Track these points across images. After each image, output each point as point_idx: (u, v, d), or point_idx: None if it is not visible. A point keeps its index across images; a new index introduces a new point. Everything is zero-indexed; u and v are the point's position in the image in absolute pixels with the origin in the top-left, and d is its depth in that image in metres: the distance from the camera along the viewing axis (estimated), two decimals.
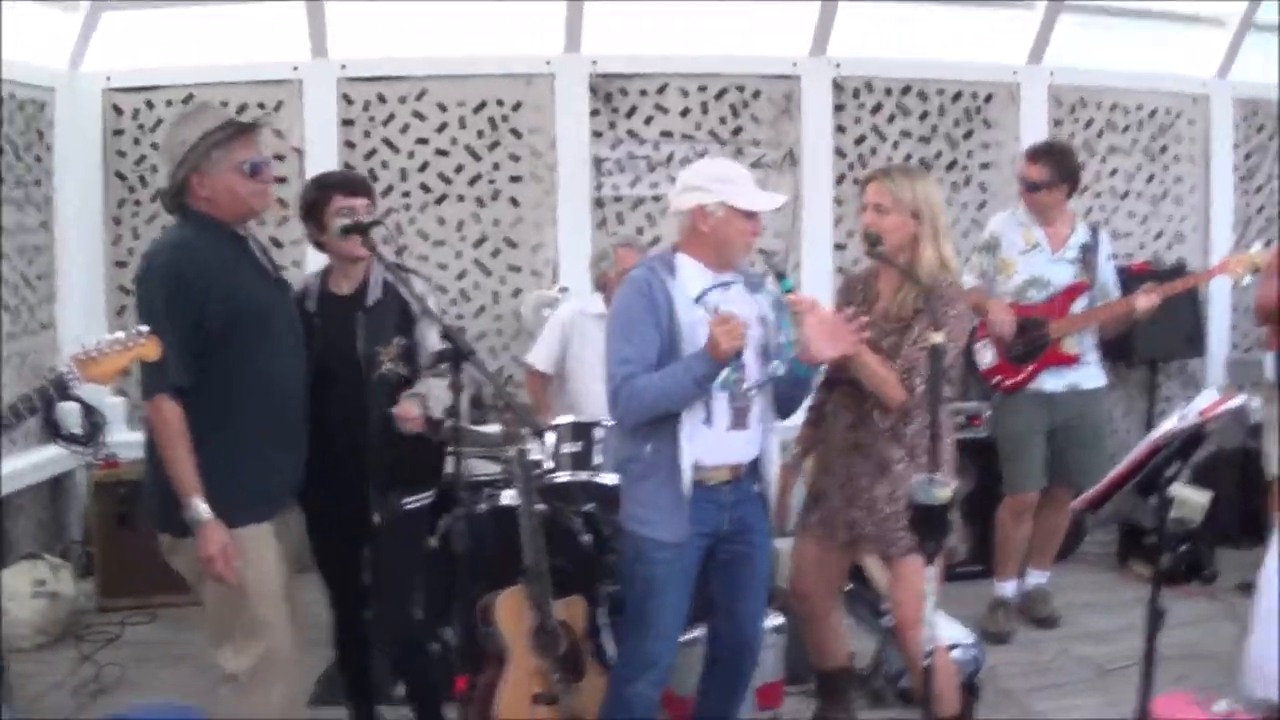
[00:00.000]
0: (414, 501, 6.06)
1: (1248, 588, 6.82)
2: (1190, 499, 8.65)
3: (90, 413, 8.52)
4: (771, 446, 5.69)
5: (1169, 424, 5.18)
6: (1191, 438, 5.18)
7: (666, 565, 5.42)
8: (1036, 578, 8.53)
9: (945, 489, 4.78)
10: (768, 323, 5.52)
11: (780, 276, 5.47)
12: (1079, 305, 8.04)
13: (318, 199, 6.11)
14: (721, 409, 5.40)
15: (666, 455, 5.35)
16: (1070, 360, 8.03)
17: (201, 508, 5.05)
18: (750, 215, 5.41)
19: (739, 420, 5.46)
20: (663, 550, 5.40)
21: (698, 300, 5.36)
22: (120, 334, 4.54)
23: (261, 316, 5.37)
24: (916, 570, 5.16)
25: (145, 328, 4.59)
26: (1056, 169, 8.03)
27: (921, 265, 5.76)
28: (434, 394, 5.85)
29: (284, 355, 5.52)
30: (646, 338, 5.30)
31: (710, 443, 5.40)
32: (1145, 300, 7.72)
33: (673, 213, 5.63)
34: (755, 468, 5.63)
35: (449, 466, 5.76)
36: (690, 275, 5.44)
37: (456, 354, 5.33)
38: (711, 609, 5.83)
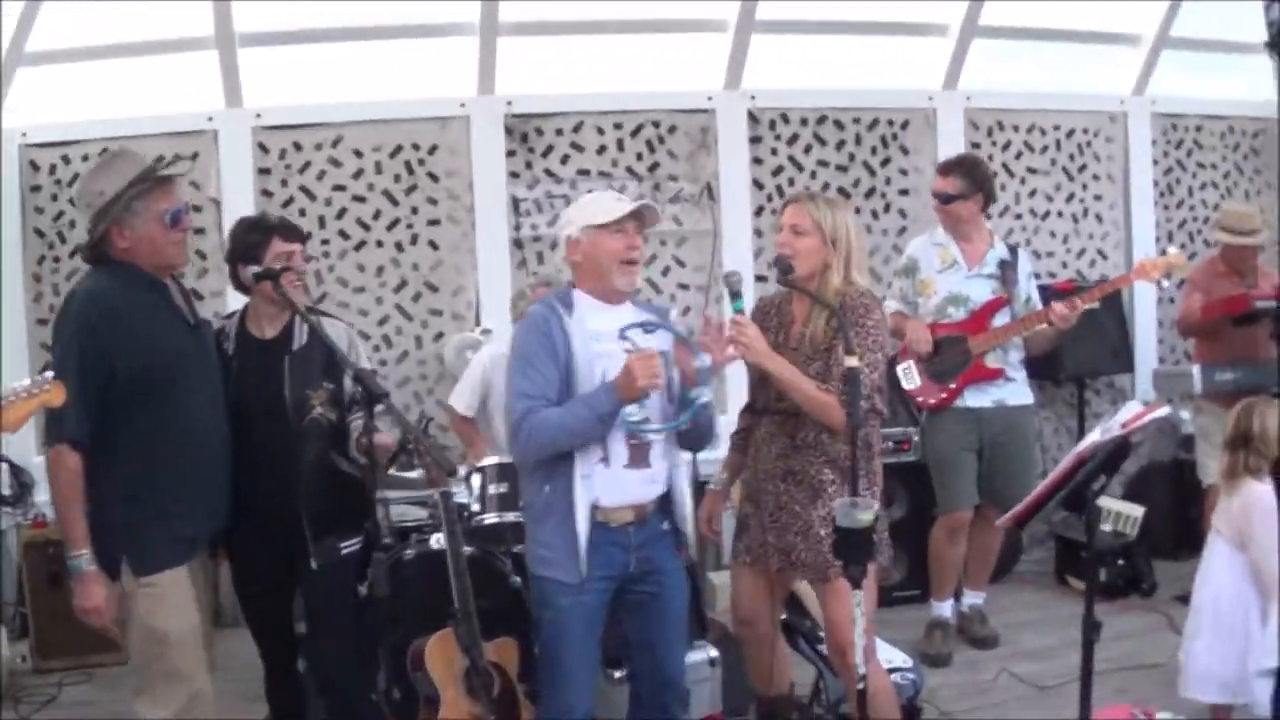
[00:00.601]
0: (349, 546, 5.99)
1: (1186, 599, 6.83)
2: (1124, 512, 8.74)
3: (18, 473, 8.47)
4: (682, 482, 5.64)
5: (1093, 437, 5.17)
6: (1116, 450, 5.17)
7: (569, 610, 5.36)
8: (973, 598, 8.54)
9: (868, 512, 4.77)
10: (669, 361, 5.43)
11: (735, 296, 5.52)
12: (999, 320, 8.06)
13: (259, 241, 6.08)
14: (619, 448, 5.34)
15: (563, 496, 5.29)
16: (994, 375, 8.05)
17: (84, 559, 5.05)
18: (615, 230, 5.37)
19: (638, 459, 5.40)
20: (565, 593, 5.33)
21: (621, 335, 5.30)
22: (26, 381, 4.49)
23: (176, 368, 5.34)
24: (850, 593, 5.13)
25: (50, 374, 4.54)
26: (968, 180, 8.11)
27: (829, 290, 5.72)
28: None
29: (200, 405, 5.49)
30: (545, 374, 5.27)
31: (609, 482, 5.34)
32: (1062, 307, 7.72)
33: (562, 260, 5.69)
34: (664, 505, 5.58)
35: (378, 511, 5.75)
36: (587, 311, 5.41)
37: (369, 398, 5.29)
38: (629, 650, 5.79)
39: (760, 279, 9.98)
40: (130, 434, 5.17)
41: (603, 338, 5.34)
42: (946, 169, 8.27)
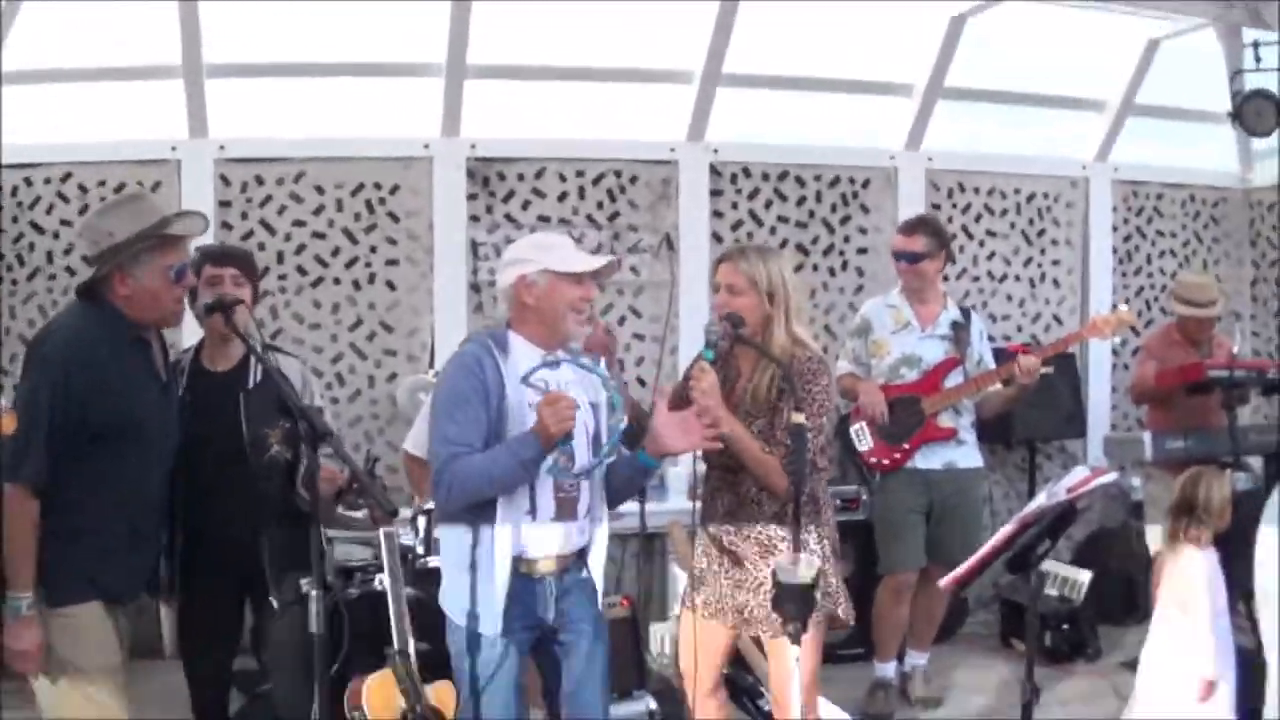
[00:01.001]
0: (310, 584, 5.92)
1: (1132, 665, 6.89)
2: (1070, 577, 8.78)
3: None
4: (601, 536, 5.57)
5: (1038, 501, 5.20)
6: (1061, 515, 5.21)
7: (489, 663, 5.29)
8: (916, 658, 8.56)
9: (809, 569, 4.79)
10: (599, 405, 5.41)
11: (709, 346, 5.54)
12: (951, 381, 8.11)
13: (194, 265, 5.98)
14: (546, 500, 5.27)
15: (486, 546, 5.22)
16: (947, 435, 8.10)
17: (25, 602, 5.01)
18: (576, 280, 5.29)
19: (565, 511, 5.34)
20: (484, 645, 5.27)
21: (524, 379, 5.17)
22: None
23: (141, 428, 5.31)
24: (804, 648, 5.12)
25: (4, 402, 4.52)
26: (934, 239, 8.21)
27: (774, 345, 5.71)
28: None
29: (154, 466, 5.47)
30: (472, 417, 5.15)
31: (535, 534, 5.28)
32: (1027, 361, 7.76)
33: (499, 292, 5.50)
34: (582, 556, 5.53)
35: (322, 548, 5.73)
36: (521, 354, 5.30)
37: (313, 435, 5.27)
38: (553, 701, 5.72)
39: None
40: (77, 480, 5.11)
41: (536, 383, 5.22)
42: (911, 228, 8.32)
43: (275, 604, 5.92)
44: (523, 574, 5.28)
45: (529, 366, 5.21)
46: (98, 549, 5.20)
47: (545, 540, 5.31)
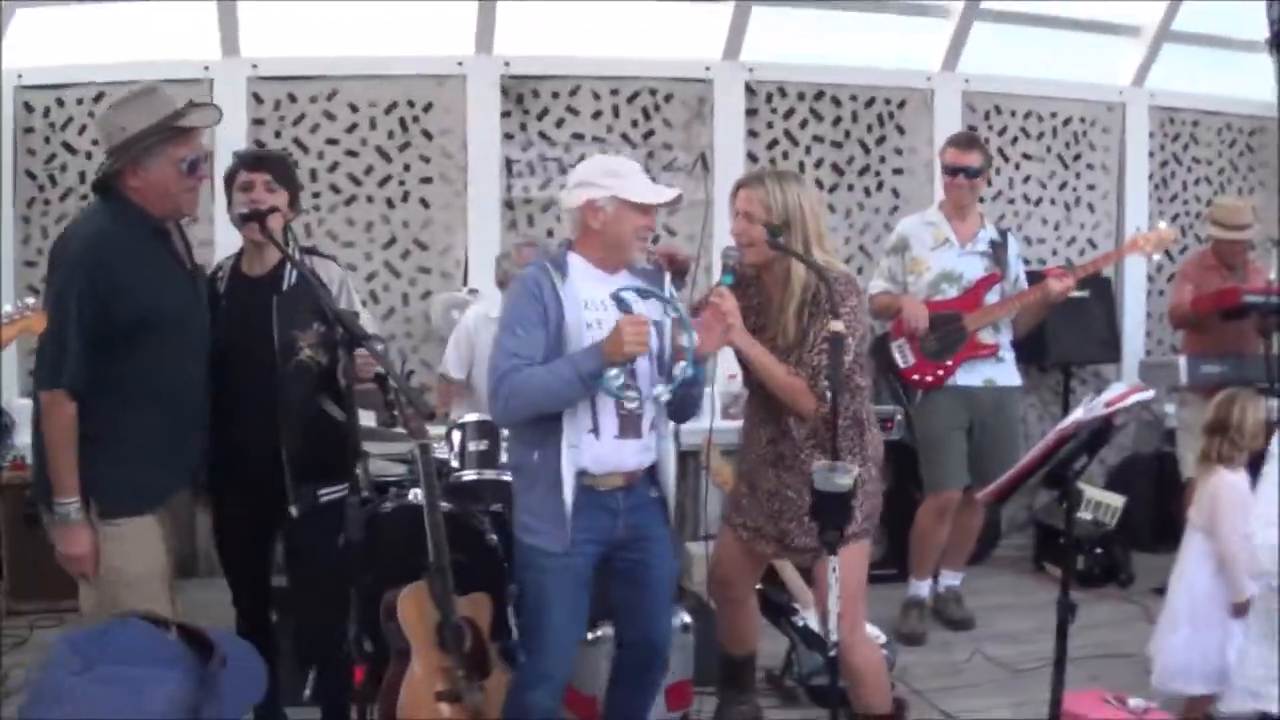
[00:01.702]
0: (330, 493, 5.85)
1: (1163, 591, 6.82)
2: (1104, 502, 8.74)
3: None
4: (668, 453, 5.61)
5: (1076, 415, 5.15)
6: (1099, 430, 5.17)
7: (555, 574, 5.34)
8: (950, 579, 8.58)
9: (847, 476, 4.76)
10: (662, 324, 5.41)
11: (726, 271, 5.52)
12: (992, 297, 8.09)
13: (230, 172, 6.04)
14: (609, 419, 5.31)
15: (552, 464, 5.26)
16: (989, 350, 8.09)
17: (73, 508, 5.03)
18: (643, 210, 5.32)
19: (629, 429, 5.37)
20: (550, 559, 5.31)
21: (615, 297, 5.25)
22: (8, 307, 4.46)
23: (170, 321, 5.30)
24: (847, 563, 5.16)
25: (33, 300, 4.50)
26: (985, 157, 8.23)
27: (793, 274, 5.67)
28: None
29: (189, 358, 5.46)
30: (532, 335, 5.21)
31: (599, 452, 5.32)
32: (1058, 283, 7.77)
33: (565, 211, 5.55)
34: (652, 474, 5.56)
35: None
36: (581, 275, 5.36)
37: (350, 339, 5.24)
38: (616, 614, 5.79)
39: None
40: (114, 381, 5.12)
41: (594, 305, 5.31)
42: (968, 143, 8.30)
43: (294, 513, 5.88)
44: (588, 487, 5.31)
45: (589, 287, 5.31)
46: (142, 451, 5.21)
47: (610, 457, 5.35)
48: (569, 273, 5.34)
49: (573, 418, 5.25)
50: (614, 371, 5.08)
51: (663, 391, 5.27)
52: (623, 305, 5.23)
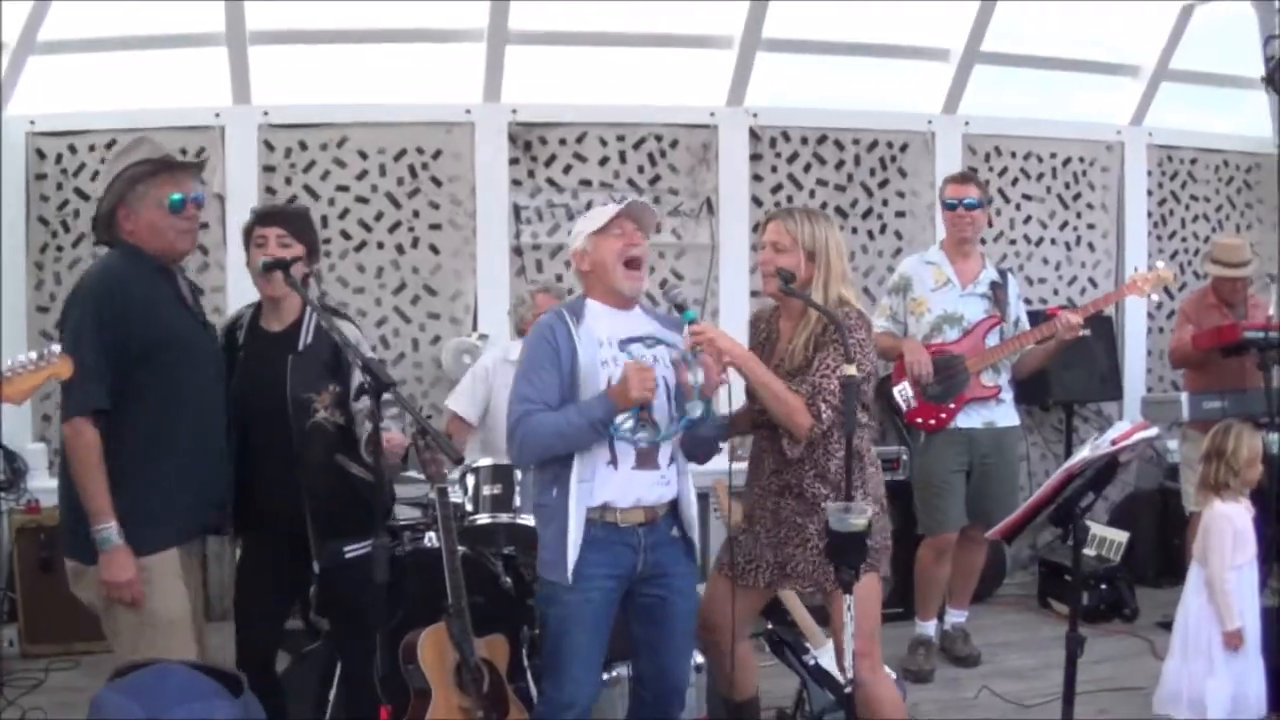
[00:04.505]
0: (354, 550, 5.94)
1: (1168, 625, 6.89)
2: (1108, 537, 8.79)
3: (11, 459, 8.50)
4: (688, 490, 5.68)
5: (1082, 453, 5.22)
6: (1105, 467, 5.23)
7: (573, 608, 5.41)
8: (955, 617, 8.59)
9: (861, 516, 4.82)
10: (679, 369, 5.48)
11: (681, 309, 5.53)
12: (992, 339, 8.12)
13: (248, 227, 6.15)
14: (627, 450, 5.40)
15: (561, 500, 5.38)
16: (991, 393, 8.10)
17: (113, 530, 5.06)
18: (615, 233, 5.48)
19: (646, 460, 5.47)
20: (568, 593, 5.39)
21: (622, 349, 5.40)
22: (34, 354, 4.53)
23: (184, 348, 5.39)
24: (861, 598, 5.18)
25: (57, 347, 4.59)
26: (982, 191, 8.25)
27: (810, 310, 5.70)
28: (394, 430, 5.92)
29: (205, 386, 5.53)
30: (545, 378, 5.36)
31: (618, 484, 5.41)
32: (1070, 316, 7.78)
33: (574, 274, 5.78)
34: (674, 511, 5.64)
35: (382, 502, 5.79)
36: (597, 316, 5.51)
37: (377, 386, 5.33)
38: (635, 651, 5.82)
39: (756, 294, 9.95)
40: (137, 410, 5.20)
41: (610, 343, 5.44)
42: (964, 178, 8.38)
43: (316, 569, 5.97)
44: (609, 523, 5.41)
45: (604, 327, 5.47)
46: (172, 480, 5.29)
47: (629, 488, 5.44)
48: (584, 316, 5.48)
49: (588, 452, 5.36)
50: (623, 417, 5.23)
51: (673, 429, 5.41)
52: (628, 353, 5.38)
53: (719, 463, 6.09)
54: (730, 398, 5.65)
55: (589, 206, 9.63)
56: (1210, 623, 6.41)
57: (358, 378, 5.66)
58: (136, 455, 5.19)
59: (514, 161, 9.85)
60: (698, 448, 5.68)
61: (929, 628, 8.43)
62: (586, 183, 9.99)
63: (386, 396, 5.34)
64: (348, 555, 5.94)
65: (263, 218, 6.18)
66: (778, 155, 10.37)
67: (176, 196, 5.39)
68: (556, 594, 5.43)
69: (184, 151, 9.04)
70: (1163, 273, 8.08)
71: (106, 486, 5.07)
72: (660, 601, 5.60)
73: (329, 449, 5.89)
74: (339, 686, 6.38)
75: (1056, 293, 11.00)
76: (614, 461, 5.40)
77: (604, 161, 10.04)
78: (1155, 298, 8.36)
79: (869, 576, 5.55)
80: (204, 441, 5.49)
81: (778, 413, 5.63)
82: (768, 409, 5.67)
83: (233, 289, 8.63)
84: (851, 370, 5.16)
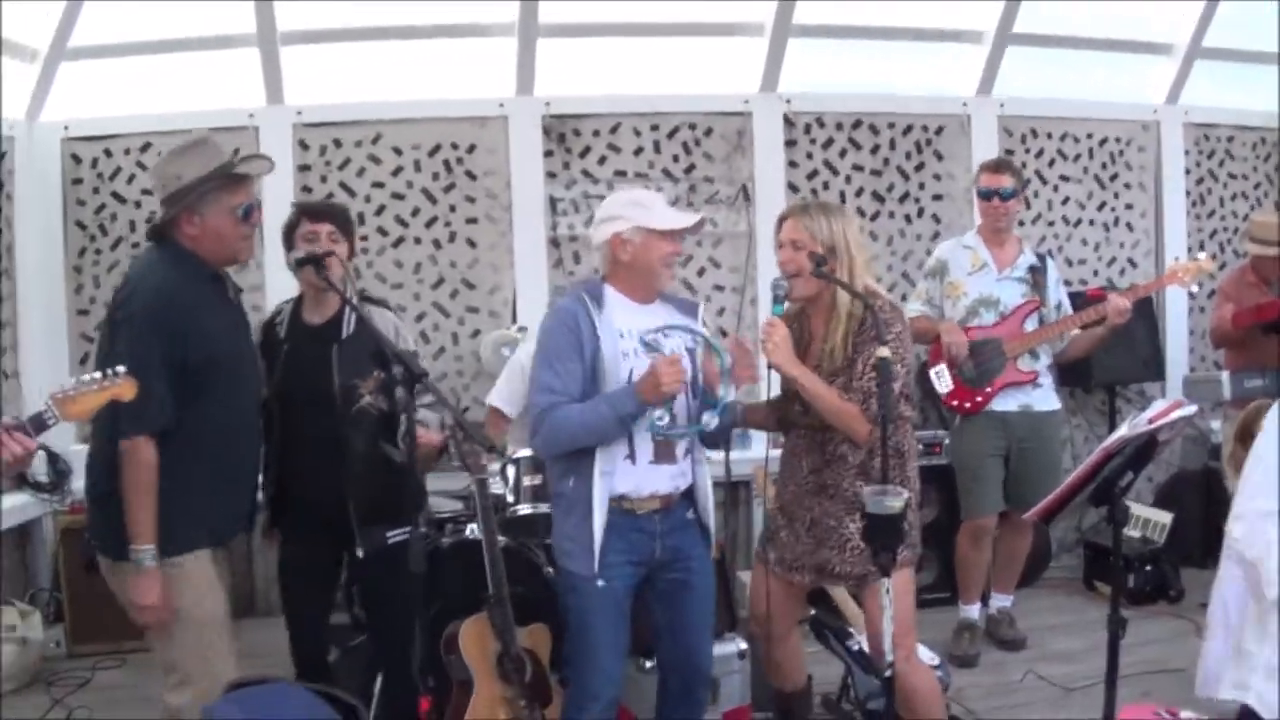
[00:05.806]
0: (396, 535, 6.02)
1: None
2: (1152, 519, 8.74)
3: (55, 460, 8.54)
4: (704, 477, 5.70)
5: (1121, 432, 5.18)
6: (1144, 445, 5.19)
7: (594, 597, 5.43)
8: (1000, 601, 8.59)
9: (898, 499, 4.80)
10: (694, 350, 5.54)
11: (777, 301, 5.60)
12: (1030, 324, 8.10)
13: (291, 222, 6.26)
14: (645, 445, 5.42)
15: (585, 490, 5.38)
16: (1029, 379, 8.09)
17: (149, 554, 5.10)
18: (668, 237, 5.45)
19: (663, 455, 5.49)
20: (588, 583, 5.41)
21: (642, 341, 5.38)
22: (97, 374, 4.55)
23: (231, 361, 5.42)
24: (895, 589, 5.13)
25: (122, 368, 4.60)
26: (1017, 178, 8.22)
27: (839, 302, 5.72)
28: (432, 425, 5.98)
29: (244, 397, 5.60)
30: (570, 369, 5.34)
31: (635, 477, 5.44)
32: (1120, 300, 7.77)
33: (594, 247, 5.76)
34: (689, 496, 5.66)
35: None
36: (616, 307, 5.49)
37: (410, 377, 5.35)
38: (658, 638, 5.84)
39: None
40: (184, 422, 5.21)
41: (630, 335, 5.43)
42: (999, 167, 8.32)
43: (360, 555, 5.99)
44: (626, 510, 5.42)
45: (624, 319, 5.44)
46: (206, 489, 5.32)
47: (646, 482, 5.47)
48: (605, 304, 5.47)
49: (608, 445, 5.36)
50: (659, 412, 5.25)
51: (710, 419, 5.39)
52: (652, 348, 5.35)
53: (758, 449, 6.08)
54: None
55: None
56: (1249, 600, 6.36)
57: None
58: (174, 465, 5.19)
59: (548, 154, 9.84)
60: (718, 433, 5.64)
61: (973, 611, 8.43)
62: (621, 173, 9.98)
63: (419, 387, 5.37)
64: (390, 541, 6.00)
65: (313, 215, 6.30)
66: (812, 141, 10.33)
67: (247, 203, 5.44)
68: (576, 583, 5.47)
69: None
70: (1204, 264, 8.00)
71: (155, 510, 5.10)
72: (681, 584, 5.64)
73: (373, 434, 5.95)
74: (383, 678, 6.38)
75: (1096, 274, 10.94)
76: (632, 456, 5.42)
77: (638, 151, 10.03)
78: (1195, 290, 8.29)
79: (903, 571, 5.54)
80: (239, 454, 5.57)
81: (835, 422, 5.64)
82: (826, 419, 5.66)
83: (272, 286, 8.64)
84: (885, 352, 5.13)
